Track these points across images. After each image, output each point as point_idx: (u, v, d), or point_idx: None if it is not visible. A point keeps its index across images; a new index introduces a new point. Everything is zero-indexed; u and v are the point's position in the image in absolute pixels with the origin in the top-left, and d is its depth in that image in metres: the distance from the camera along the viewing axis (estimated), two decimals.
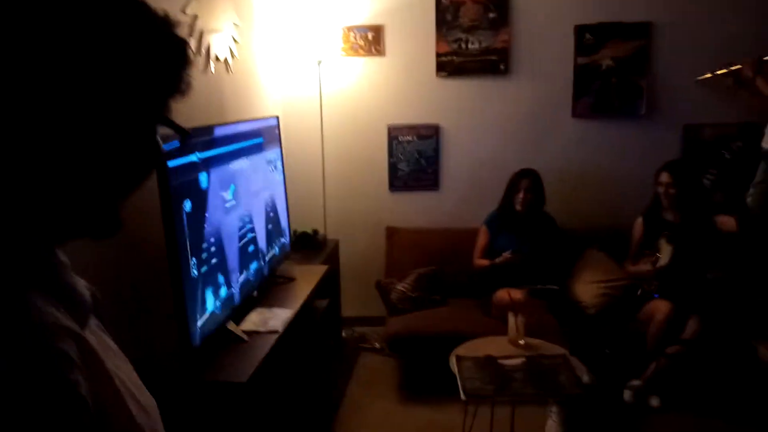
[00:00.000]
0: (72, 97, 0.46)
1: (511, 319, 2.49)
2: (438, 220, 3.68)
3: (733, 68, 3.13)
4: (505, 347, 2.46)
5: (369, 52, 3.57)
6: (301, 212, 3.64)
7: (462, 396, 2.10)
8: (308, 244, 3.32)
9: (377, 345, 3.53)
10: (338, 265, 3.54)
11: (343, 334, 3.68)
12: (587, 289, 3.17)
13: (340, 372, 3.25)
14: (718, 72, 3.20)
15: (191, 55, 0.55)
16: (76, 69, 0.46)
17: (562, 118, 3.53)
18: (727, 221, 2.99)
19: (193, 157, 1.79)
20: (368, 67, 3.59)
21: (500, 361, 2.29)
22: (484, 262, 3.25)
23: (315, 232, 3.40)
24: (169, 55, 0.52)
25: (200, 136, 1.88)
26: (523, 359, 2.29)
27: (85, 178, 0.49)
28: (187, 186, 1.75)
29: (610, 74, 3.44)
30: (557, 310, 3.08)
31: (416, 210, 3.72)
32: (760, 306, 3.01)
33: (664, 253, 3.02)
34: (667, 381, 2.82)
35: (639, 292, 3.05)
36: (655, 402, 2.81)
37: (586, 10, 3.40)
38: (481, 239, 3.33)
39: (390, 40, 3.55)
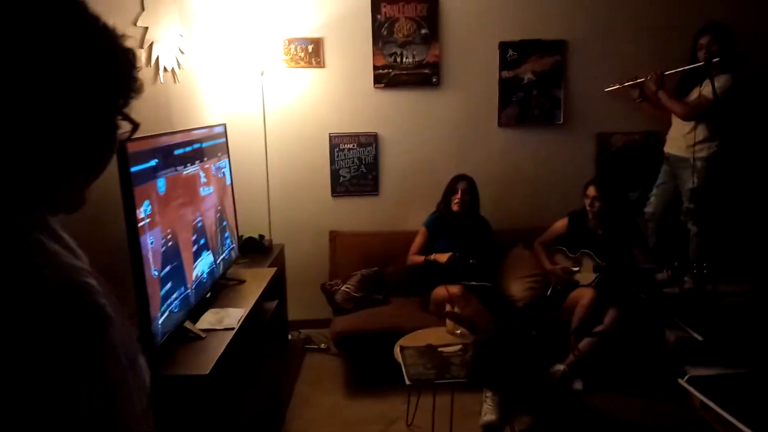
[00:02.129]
0: (40, 94, 0.59)
1: (448, 309, 2.71)
2: (379, 223, 3.88)
3: (639, 81, 3.52)
4: (443, 337, 2.67)
5: (310, 64, 3.73)
6: (248, 218, 3.73)
7: (406, 381, 2.29)
8: (255, 249, 3.43)
9: (323, 345, 3.67)
10: (284, 269, 3.66)
11: (289, 336, 3.79)
12: (515, 284, 3.45)
13: (287, 372, 3.37)
14: (626, 84, 3.59)
15: (137, 60, 0.70)
16: (42, 74, 0.59)
17: (489, 127, 3.82)
18: None
19: (152, 162, 1.89)
20: (309, 78, 3.75)
21: (440, 349, 2.50)
22: (419, 258, 3.45)
23: (261, 236, 3.51)
24: (116, 60, 0.66)
25: (156, 143, 1.98)
26: (460, 346, 2.51)
27: (54, 159, 0.62)
28: (146, 190, 1.85)
29: (531, 87, 3.77)
30: (490, 304, 3.33)
31: (358, 214, 3.90)
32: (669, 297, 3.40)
33: (586, 270, 3.30)
34: (589, 365, 3.12)
35: (549, 293, 3.34)
36: (578, 385, 3.08)
37: (509, 29, 3.72)
38: (419, 238, 3.53)
39: (330, 52, 3.73)
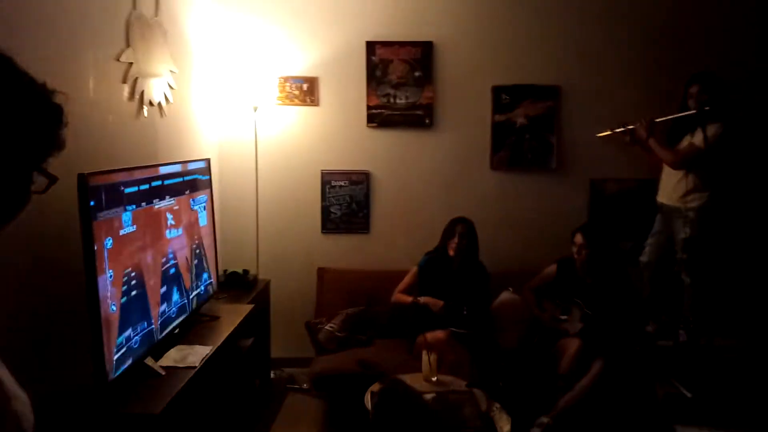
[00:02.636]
0: None
1: (425, 356, 2.64)
2: (368, 261, 3.84)
3: (629, 127, 3.50)
4: (418, 383, 2.59)
5: (304, 102, 3.77)
6: (235, 252, 3.74)
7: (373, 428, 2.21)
8: (238, 284, 3.40)
9: (305, 386, 3.59)
10: (268, 305, 3.62)
11: (272, 374, 3.73)
12: (502, 329, 3.36)
13: (266, 412, 3.29)
14: (617, 130, 3.55)
15: (64, 117, 0.69)
16: None
17: (482, 169, 3.81)
18: None
19: (117, 196, 1.89)
20: (303, 115, 3.79)
21: None
22: (406, 297, 3.38)
23: (245, 271, 3.48)
24: (39, 116, 0.66)
25: (126, 176, 1.99)
26: (434, 395, 2.44)
27: None
28: (108, 224, 1.84)
29: (524, 131, 3.76)
30: (478, 350, 3.24)
31: (347, 252, 3.87)
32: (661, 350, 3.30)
33: (574, 319, 3.22)
34: (575, 418, 3.00)
35: (536, 340, 3.26)
36: None
37: (503, 73, 3.74)
38: (408, 278, 3.46)
39: (324, 91, 3.77)
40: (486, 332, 3.33)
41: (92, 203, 1.73)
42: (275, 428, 3.18)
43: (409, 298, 3.36)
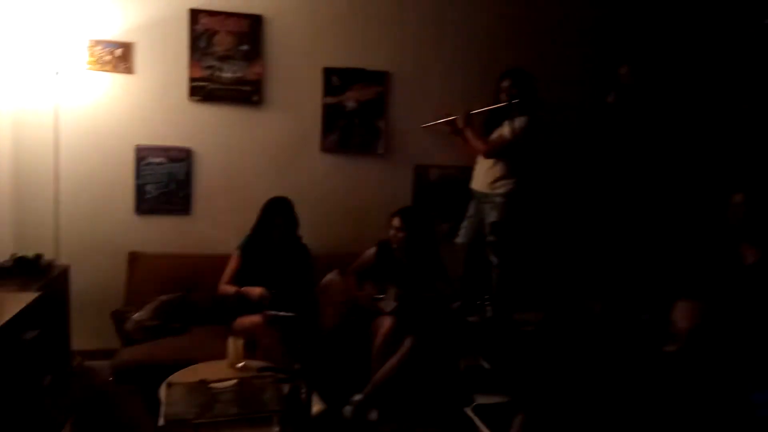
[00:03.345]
0: None
1: (230, 343, 2.54)
2: (189, 245, 3.62)
3: (450, 119, 3.67)
4: (223, 371, 2.49)
5: (116, 69, 3.43)
6: (30, 235, 3.33)
7: (161, 421, 2.08)
8: (27, 270, 3.01)
9: (110, 378, 3.31)
10: (66, 293, 3.27)
11: (71, 368, 3.39)
12: (324, 311, 3.37)
13: (64, 406, 2.97)
14: (439, 121, 3.71)
15: None
16: None
17: (312, 151, 3.76)
18: None
19: None
20: (116, 83, 3.45)
21: (212, 384, 2.32)
22: (231, 288, 3.24)
23: (38, 256, 3.10)
24: None
25: None
26: (236, 381, 2.35)
27: None
28: None
29: (354, 115, 3.78)
30: (297, 333, 3.21)
31: (165, 235, 3.62)
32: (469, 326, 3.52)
33: (389, 298, 3.30)
34: (385, 394, 3.10)
35: (354, 319, 3.32)
36: (373, 416, 3.04)
37: (334, 55, 3.71)
38: (232, 264, 3.31)
39: (141, 58, 3.46)
40: (307, 314, 3.32)
41: None
42: (76, 421, 2.89)
43: (233, 289, 3.22)
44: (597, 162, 3.93)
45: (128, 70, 3.45)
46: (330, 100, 3.74)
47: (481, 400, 2.95)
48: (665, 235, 3.51)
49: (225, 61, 3.55)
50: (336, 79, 3.73)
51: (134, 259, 3.48)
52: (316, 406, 2.77)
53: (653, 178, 3.59)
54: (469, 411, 2.88)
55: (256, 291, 3.12)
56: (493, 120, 3.60)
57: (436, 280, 3.32)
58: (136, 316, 3.17)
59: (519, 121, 3.38)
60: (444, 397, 3.19)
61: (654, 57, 3.72)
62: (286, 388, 2.36)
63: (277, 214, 3.27)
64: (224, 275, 3.30)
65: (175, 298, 3.36)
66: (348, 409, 2.98)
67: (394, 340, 3.11)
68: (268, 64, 3.63)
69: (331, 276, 3.55)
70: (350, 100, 3.77)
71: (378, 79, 3.79)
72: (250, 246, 3.31)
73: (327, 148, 3.78)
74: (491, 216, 3.48)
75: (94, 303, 3.42)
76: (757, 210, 2.46)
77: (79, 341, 3.40)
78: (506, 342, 3.25)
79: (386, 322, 3.13)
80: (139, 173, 3.53)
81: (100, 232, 3.50)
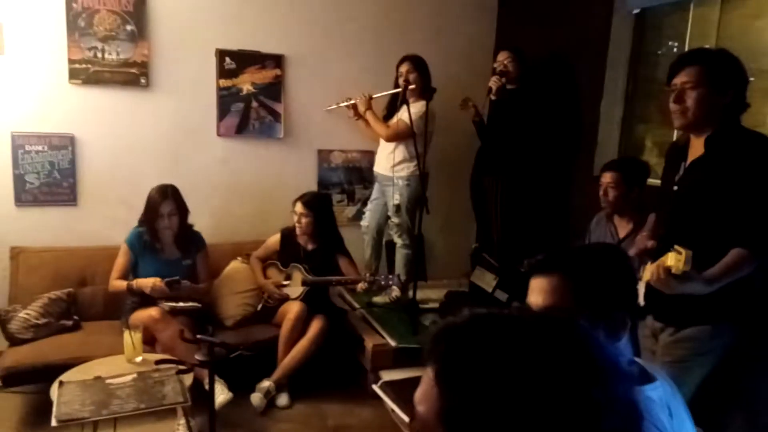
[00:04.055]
0: None
1: (126, 336, 2.46)
2: (77, 238, 3.41)
3: (351, 102, 3.70)
4: (121, 366, 2.41)
5: None
6: None
7: (53, 422, 1.98)
8: None
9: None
10: None
11: None
12: (227, 300, 3.33)
13: None
14: (342, 104, 3.73)
15: None
16: None
17: (207, 136, 3.65)
18: None
19: None
20: None
21: (108, 380, 2.23)
22: (122, 283, 3.07)
23: None
24: None
25: None
26: (134, 375, 2.28)
27: None
28: None
29: (251, 98, 3.70)
30: (200, 325, 3.13)
31: (51, 227, 3.39)
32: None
33: (295, 284, 3.32)
34: (295, 377, 3.13)
35: (260, 307, 3.32)
36: (283, 400, 3.07)
37: (227, 36, 3.59)
38: (121, 258, 3.11)
39: (11, 38, 3.18)
40: (207, 303, 3.25)
41: None
42: None
43: (124, 284, 3.06)
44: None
45: None
46: (225, 83, 3.64)
47: (387, 377, 3.05)
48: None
49: (108, 41, 3.34)
50: (230, 62, 3.63)
51: (17, 254, 3.24)
52: (222, 396, 2.76)
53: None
54: (376, 388, 2.98)
55: (148, 282, 2.98)
56: (394, 104, 3.68)
57: (339, 261, 3.37)
58: (23, 314, 2.97)
59: (416, 107, 3.47)
60: (351, 373, 3.28)
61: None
62: (188, 380, 2.32)
63: (162, 204, 3.07)
64: (113, 271, 3.10)
65: (64, 295, 3.17)
66: (256, 396, 2.99)
67: (301, 324, 3.14)
68: (157, 45, 3.46)
69: (234, 264, 3.51)
70: (246, 83, 3.68)
71: (274, 61, 3.73)
72: (139, 238, 3.14)
73: (223, 132, 3.68)
74: (394, 198, 3.57)
75: None
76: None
77: None
78: (412, 319, 3.37)
79: (294, 308, 3.15)
80: (17, 162, 3.27)
81: None
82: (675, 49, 3.16)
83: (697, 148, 1.96)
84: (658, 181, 2.29)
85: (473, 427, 0.55)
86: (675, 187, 2.02)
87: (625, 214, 2.71)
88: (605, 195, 2.70)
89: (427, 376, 0.61)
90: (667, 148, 2.33)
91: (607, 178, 2.69)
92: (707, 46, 2.73)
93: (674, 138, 2.66)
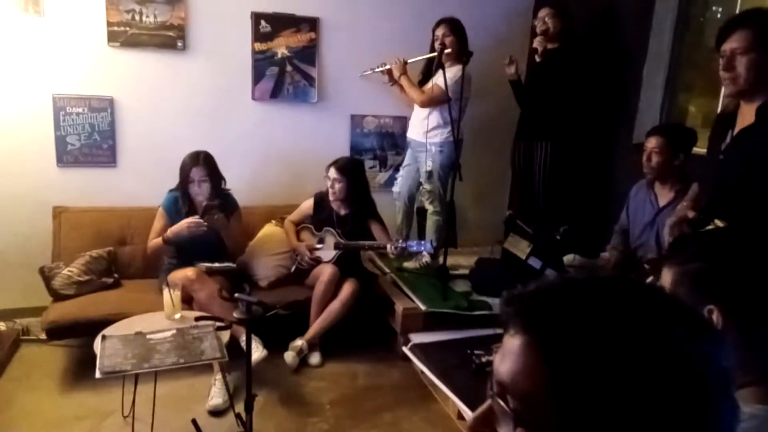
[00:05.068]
0: None
1: (166, 294, 2.53)
2: (116, 198, 3.50)
3: (386, 67, 3.66)
4: (160, 322, 2.49)
5: (26, 11, 3.18)
6: None
7: (97, 374, 2.07)
8: None
9: (42, 336, 3.22)
10: None
11: (2, 326, 3.27)
12: (262, 262, 3.39)
13: None
14: (376, 69, 3.70)
15: None
16: None
17: (243, 100, 3.66)
18: None
19: None
20: (25, 27, 3.20)
21: (149, 335, 2.31)
22: (158, 240, 3.12)
23: None
24: None
25: None
26: (173, 331, 2.36)
27: None
28: None
29: (285, 62, 3.69)
30: (235, 285, 3.20)
31: (91, 188, 3.48)
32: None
33: (328, 247, 3.35)
34: (326, 337, 3.20)
35: (294, 269, 3.37)
36: (315, 359, 3.15)
37: None
38: (158, 222, 3.17)
39: (50, 1, 3.22)
40: (242, 265, 3.32)
41: None
42: (3, 383, 2.83)
43: (160, 239, 3.12)
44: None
45: (38, 12, 3.20)
46: (260, 46, 3.63)
47: (417, 339, 3.08)
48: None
49: (145, 4, 3.36)
50: (265, 25, 3.61)
51: (59, 213, 3.34)
52: (257, 353, 2.84)
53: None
54: (406, 350, 3.02)
55: (183, 224, 3.01)
56: (429, 69, 3.63)
57: (371, 226, 3.38)
58: (66, 271, 3.08)
59: (452, 71, 3.41)
60: (382, 335, 3.33)
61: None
62: (225, 336, 2.39)
63: (193, 169, 3.07)
64: (151, 233, 3.17)
65: (105, 253, 3.28)
66: (290, 355, 3.06)
67: (334, 287, 3.19)
68: (193, 7, 3.46)
69: (269, 227, 3.56)
70: (281, 46, 3.66)
71: (309, 24, 3.70)
72: (174, 202, 3.17)
73: (258, 96, 3.69)
74: (426, 164, 3.55)
75: (21, 260, 3.29)
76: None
77: (6, 300, 3.28)
78: (443, 286, 3.38)
79: (327, 271, 3.19)
80: (58, 124, 3.34)
81: (22, 186, 3.33)
82: (723, 15, 3.01)
83: (747, 116, 1.88)
84: (703, 150, 2.22)
85: (589, 397, 0.52)
86: (720, 156, 1.96)
87: (667, 182, 2.64)
88: (648, 160, 2.63)
89: (522, 348, 0.56)
90: (710, 117, 2.25)
91: (652, 142, 2.62)
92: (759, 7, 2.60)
93: (719, 107, 2.57)
